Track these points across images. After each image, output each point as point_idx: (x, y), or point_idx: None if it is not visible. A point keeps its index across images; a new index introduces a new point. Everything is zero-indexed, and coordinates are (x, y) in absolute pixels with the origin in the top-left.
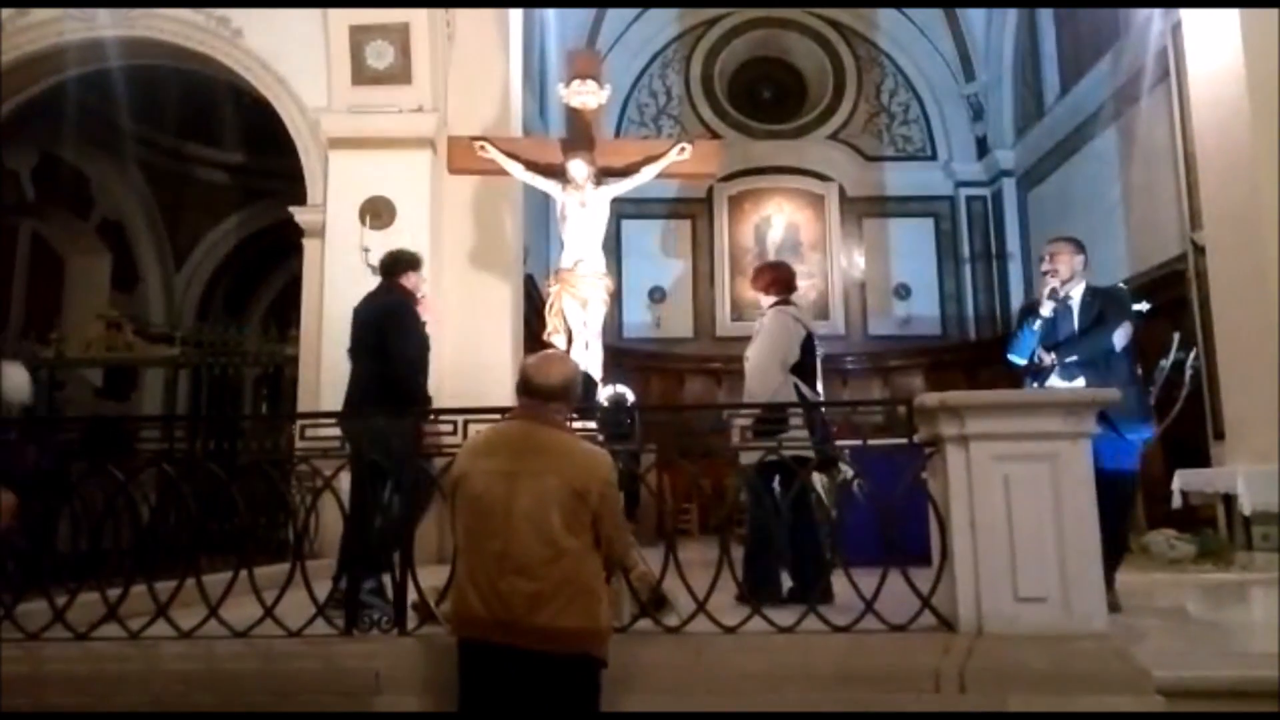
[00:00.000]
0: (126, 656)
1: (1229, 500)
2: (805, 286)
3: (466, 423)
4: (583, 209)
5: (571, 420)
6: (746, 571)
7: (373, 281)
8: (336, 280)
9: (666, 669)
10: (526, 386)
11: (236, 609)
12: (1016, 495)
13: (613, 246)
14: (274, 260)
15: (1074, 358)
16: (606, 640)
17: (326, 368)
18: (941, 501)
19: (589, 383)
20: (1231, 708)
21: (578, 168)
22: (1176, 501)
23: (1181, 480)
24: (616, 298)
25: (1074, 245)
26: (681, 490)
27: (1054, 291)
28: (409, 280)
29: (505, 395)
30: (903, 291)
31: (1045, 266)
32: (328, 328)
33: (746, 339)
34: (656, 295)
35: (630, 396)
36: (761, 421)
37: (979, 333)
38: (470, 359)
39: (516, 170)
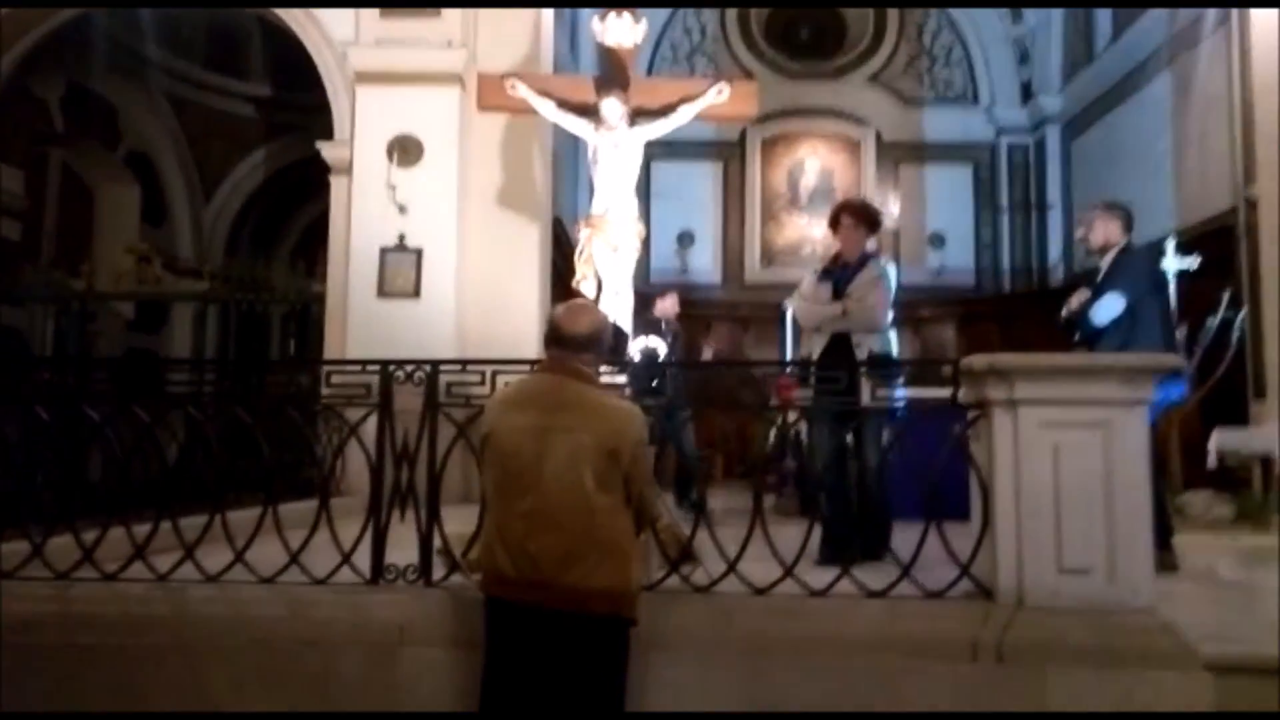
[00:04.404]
0: (153, 599)
1: (1266, 461)
2: None
3: (495, 374)
4: (615, 151)
5: (600, 373)
6: (828, 531)
7: (400, 221)
8: (363, 218)
9: (697, 630)
10: (555, 336)
11: (263, 547)
12: (1066, 464)
13: (642, 189)
14: (302, 195)
15: (1092, 327)
16: (637, 600)
17: (353, 307)
18: (985, 467)
19: (619, 335)
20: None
21: (611, 107)
22: (1212, 462)
23: (1219, 440)
24: (645, 241)
25: (1109, 210)
26: (705, 436)
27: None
28: None
29: (532, 339)
30: (937, 241)
31: (1078, 233)
32: (354, 266)
33: (775, 287)
34: (685, 240)
35: (663, 350)
36: (878, 367)
37: (1014, 285)
38: (497, 302)
39: (547, 109)
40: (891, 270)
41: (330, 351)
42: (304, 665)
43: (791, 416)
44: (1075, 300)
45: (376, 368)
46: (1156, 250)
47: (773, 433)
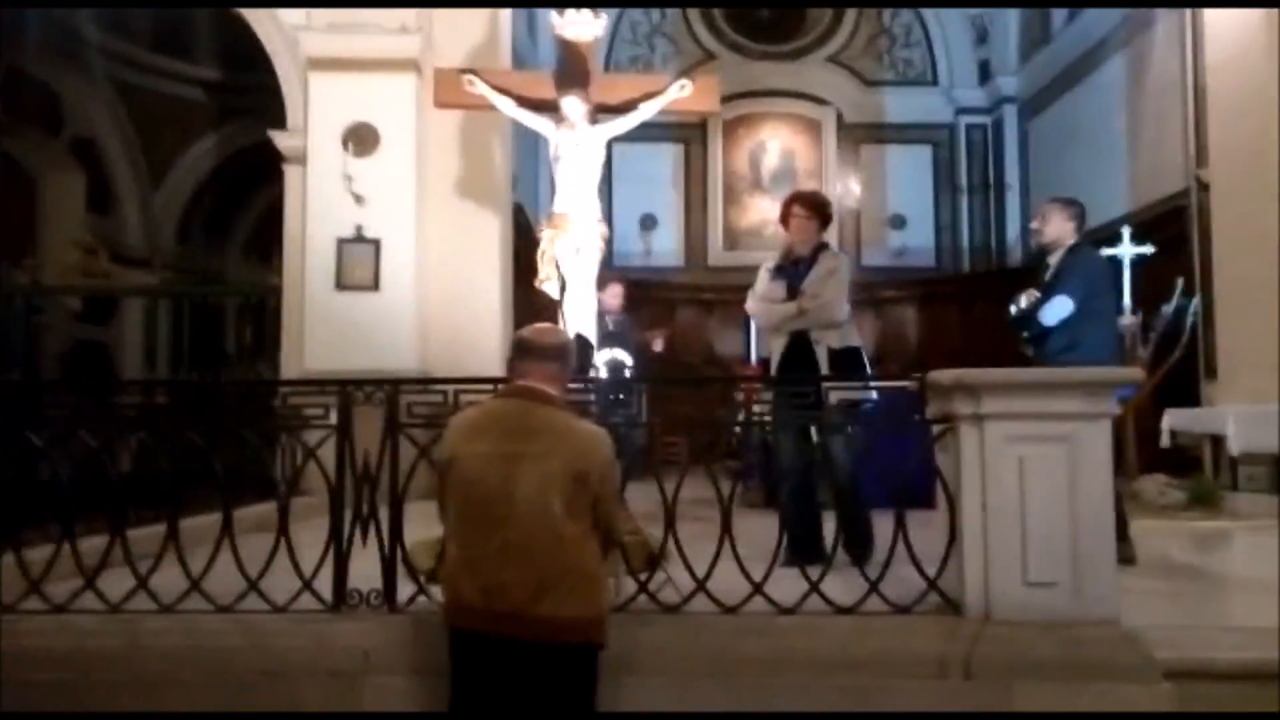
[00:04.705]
0: (107, 632)
1: (1217, 441)
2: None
3: (458, 393)
4: (577, 149)
5: (567, 389)
6: (791, 528)
7: (357, 212)
8: (319, 209)
9: (666, 651)
10: (521, 347)
11: (220, 569)
12: (1031, 477)
13: (603, 173)
14: (255, 182)
15: (1040, 327)
16: (606, 624)
17: (311, 299)
18: (952, 480)
19: (584, 346)
20: (1237, 691)
21: (572, 105)
22: (1165, 441)
23: (1171, 420)
24: (607, 225)
25: (1066, 208)
26: (668, 422)
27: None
28: None
29: (494, 332)
30: (898, 221)
31: (1033, 224)
32: (311, 258)
33: (739, 269)
34: (648, 223)
35: (629, 362)
36: (841, 366)
37: (974, 265)
38: (459, 293)
39: (506, 106)
40: (845, 260)
41: (288, 344)
42: (265, 696)
43: (756, 410)
44: (1024, 300)
45: (335, 388)
46: (1104, 253)
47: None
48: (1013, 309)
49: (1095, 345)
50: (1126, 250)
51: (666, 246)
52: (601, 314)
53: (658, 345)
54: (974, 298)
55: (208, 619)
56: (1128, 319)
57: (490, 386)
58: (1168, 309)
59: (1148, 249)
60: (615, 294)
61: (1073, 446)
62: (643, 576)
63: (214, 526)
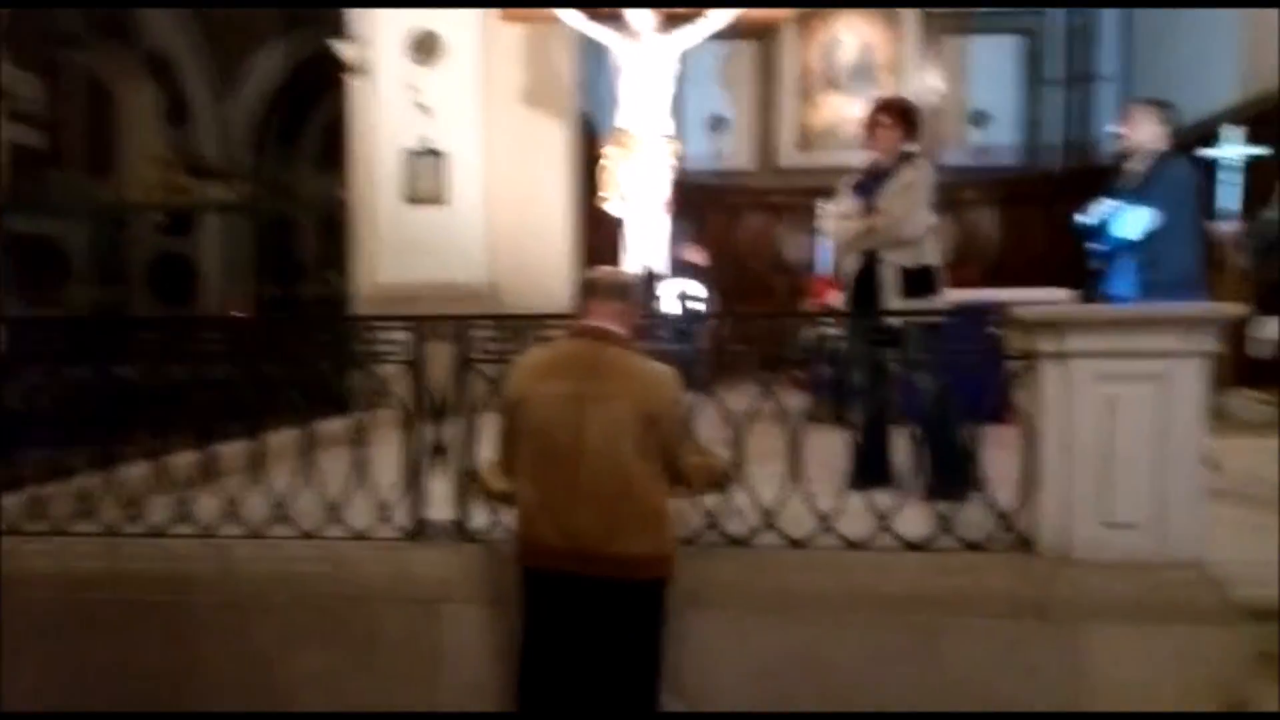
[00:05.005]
0: (201, 556)
1: None
2: None
3: (526, 330)
4: (644, 62)
5: (636, 326)
6: (863, 453)
7: (423, 123)
8: (385, 122)
9: (734, 586)
10: (588, 286)
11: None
12: (1118, 417)
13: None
14: (322, 93)
15: (1117, 240)
16: (675, 560)
17: (381, 213)
18: (1032, 419)
19: (652, 276)
20: None
21: (640, 16)
22: (1259, 350)
23: (1265, 328)
24: (676, 127)
25: (1158, 110)
26: (737, 332)
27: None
28: None
29: (562, 251)
30: (980, 118)
31: (1118, 128)
32: (378, 170)
33: (811, 171)
34: (716, 124)
35: (701, 294)
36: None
37: (1063, 163)
38: (527, 209)
39: (573, 18)
40: (926, 171)
41: (360, 257)
42: (350, 622)
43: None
44: (1102, 208)
45: (408, 324)
46: (1210, 153)
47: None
48: (1085, 218)
49: (1177, 265)
50: (1234, 150)
51: (738, 149)
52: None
53: (695, 257)
54: (1058, 199)
55: (294, 545)
56: (1229, 224)
57: (559, 323)
58: (1271, 214)
59: (1258, 149)
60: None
61: (1164, 385)
62: (712, 508)
63: (292, 443)
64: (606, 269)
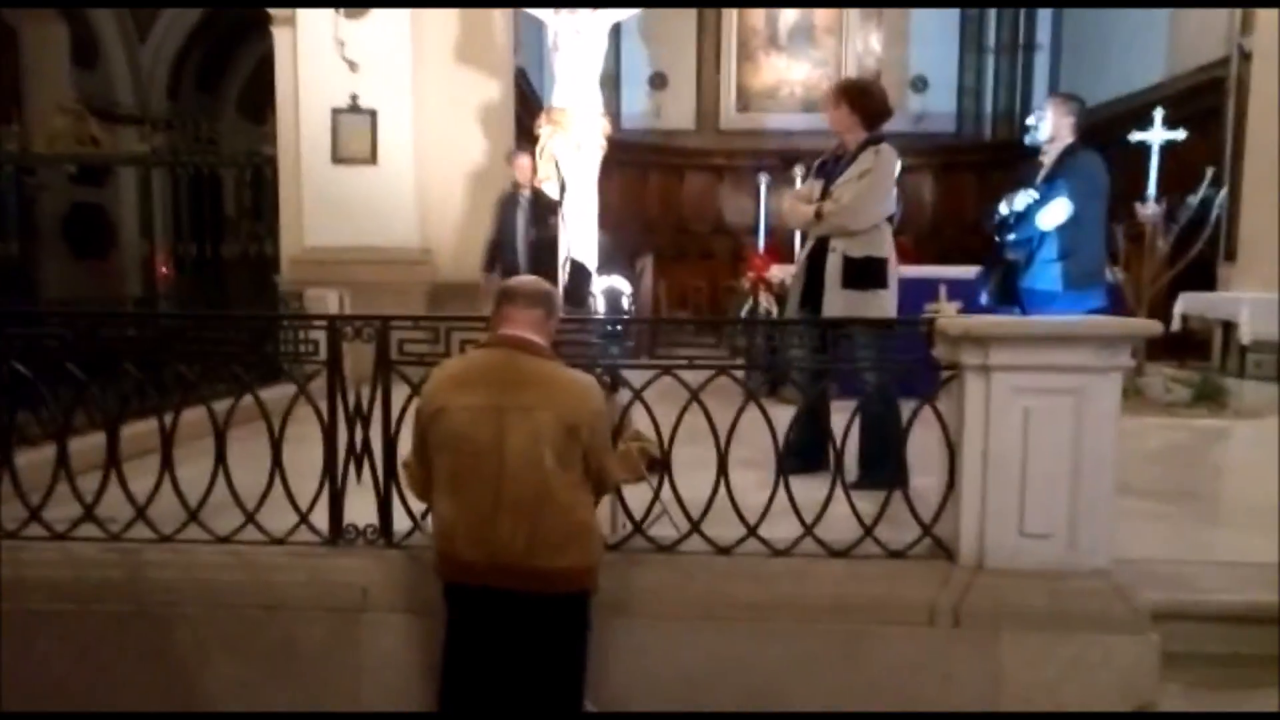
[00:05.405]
0: (108, 562)
1: (1228, 327)
2: (817, 76)
3: (449, 331)
4: (577, 37)
5: (556, 330)
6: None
7: (351, 80)
8: (311, 77)
9: (658, 593)
10: (507, 294)
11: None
12: (1035, 429)
13: (611, 29)
14: (244, 38)
15: (1033, 230)
16: (598, 571)
17: (308, 172)
18: (954, 428)
19: (581, 273)
20: (1229, 632)
21: None
22: (1176, 325)
23: (1184, 304)
24: (614, 84)
25: (1065, 103)
26: (676, 296)
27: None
28: None
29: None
30: (919, 84)
31: (1030, 120)
32: (305, 128)
33: (752, 133)
34: (657, 82)
35: (628, 289)
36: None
37: (995, 132)
38: (459, 167)
39: None
40: (887, 159)
41: (287, 218)
42: (267, 631)
43: (763, 300)
44: (1020, 199)
45: (323, 323)
46: (1134, 138)
47: (745, 309)
48: (1003, 208)
49: (1087, 256)
50: (1156, 135)
51: (677, 108)
52: (515, 189)
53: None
54: (992, 166)
55: (207, 551)
56: (1150, 208)
57: (483, 325)
58: (1193, 199)
59: (1178, 134)
60: (523, 167)
61: (1080, 399)
62: (638, 517)
63: (203, 424)
64: (526, 277)
